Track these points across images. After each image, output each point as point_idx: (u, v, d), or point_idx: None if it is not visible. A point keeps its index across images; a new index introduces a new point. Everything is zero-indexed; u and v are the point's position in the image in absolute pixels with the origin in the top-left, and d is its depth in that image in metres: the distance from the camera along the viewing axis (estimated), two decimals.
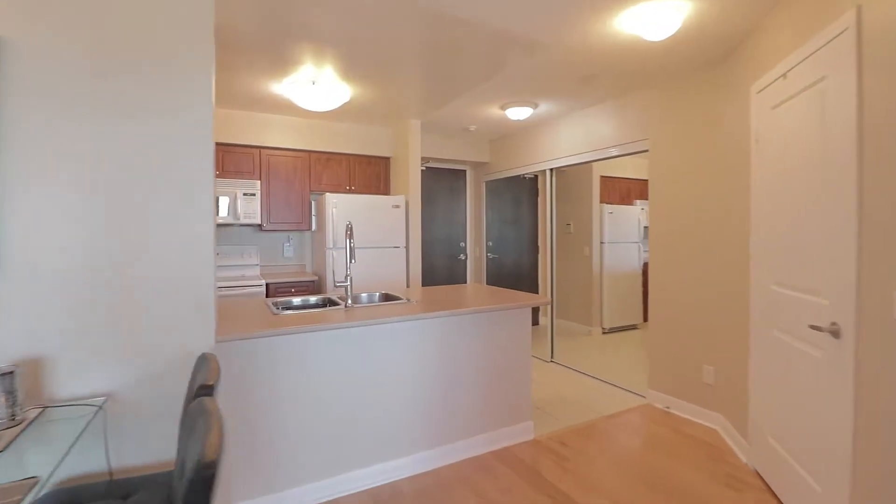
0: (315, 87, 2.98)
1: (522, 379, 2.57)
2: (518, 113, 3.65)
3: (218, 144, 3.67)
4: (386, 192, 4.40)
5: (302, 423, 1.96)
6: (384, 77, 3.01)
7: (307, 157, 4.02)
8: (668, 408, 3.04)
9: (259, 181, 3.76)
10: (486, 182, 5.19)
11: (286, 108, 3.71)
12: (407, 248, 4.15)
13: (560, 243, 5.46)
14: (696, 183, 2.84)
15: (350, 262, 2.37)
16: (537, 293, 5.27)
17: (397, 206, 3.99)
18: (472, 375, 2.39)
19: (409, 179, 4.09)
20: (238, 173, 3.74)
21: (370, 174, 4.32)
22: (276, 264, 4.18)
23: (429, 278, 5.02)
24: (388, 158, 4.42)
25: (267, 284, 3.56)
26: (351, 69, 2.85)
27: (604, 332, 5.15)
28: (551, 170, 4.24)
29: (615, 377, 3.67)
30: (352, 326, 1.89)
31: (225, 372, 1.80)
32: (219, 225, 3.77)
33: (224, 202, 3.61)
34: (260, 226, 3.86)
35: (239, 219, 3.65)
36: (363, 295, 2.67)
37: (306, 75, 2.92)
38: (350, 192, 4.19)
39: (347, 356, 2.05)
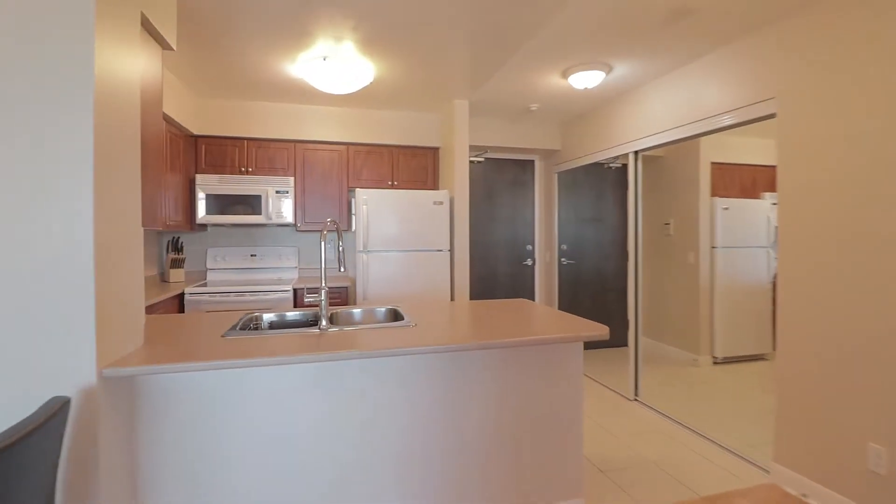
0: (327, 63, 2.59)
1: (569, 437, 1.86)
2: (586, 79, 2.87)
3: (250, 139, 3.51)
4: (434, 188, 3.90)
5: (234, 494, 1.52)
6: (413, 42, 2.51)
7: (345, 151, 3.69)
8: (804, 496, 2.04)
9: (293, 178, 3.52)
10: (559, 174, 4.40)
11: (322, 97, 3.42)
12: (452, 251, 3.60)
13: (655, 247, 4.43)
14: (857, 159, 1.84)
15: (340, 268, 1.90)
16: (627, 307, 4.33)
17: (439, 203, 3.47)
18: (491, 432, 1.76)
19: (455, 171, 3.54)
20: (272, 170, 3.55)
21: (415, 167, 3.86)
22: (317, 267, 3.93)
23: (488, 287, 4.40)
24: (436, 149, 3.92)
25: (295, 290, 3.28)
26: (374, 37, 2.40)
27: (715, 363, 4.01)
28: (636, 153, 3.35)
29: (726, 434, 2.69)
30: (300, 362, 1.40)
31: (112, 420, 1.44)
32: (251, 225, 3.63)
33: (263, 201, 3.43)
34: (294, 225, 3.63)
35: (271, 218, 3.45)
36: (356, 312, 2.18)
37: (321, 50, 2.54)
38: (392, 187, 3.77)
39: (306, 402, 1.57)
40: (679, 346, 4.30)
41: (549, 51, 2.58)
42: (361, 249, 3.31)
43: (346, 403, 1.61)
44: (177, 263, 3.45)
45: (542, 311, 2.13)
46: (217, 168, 3.44)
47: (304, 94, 3.38)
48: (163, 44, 1.76)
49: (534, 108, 3.68)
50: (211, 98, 3.41)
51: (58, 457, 1.04)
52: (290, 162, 3.58)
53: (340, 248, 1.94)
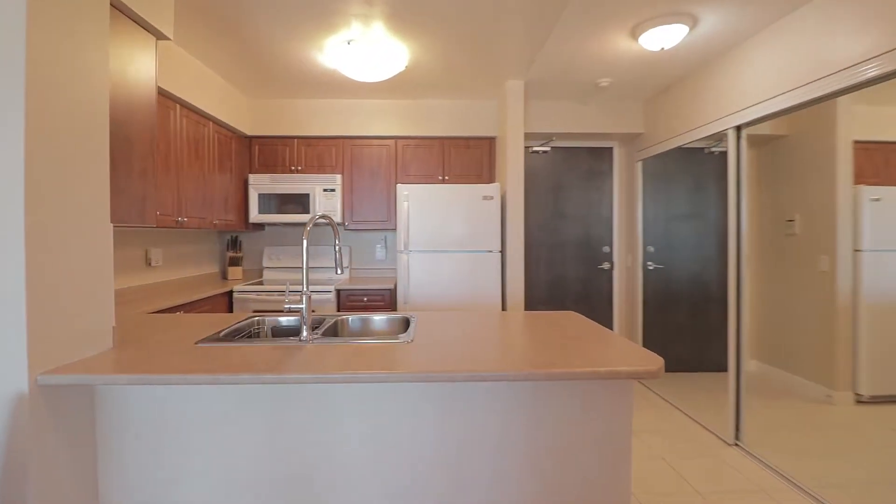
0: (352, 47, 2.41)
1: None
2: (662, 37, 2.30)
3: (299, 138, 3.51)
4: (490, 182, 3.54)
5: None
6: (448, 15, 2.21)
7: (393, 145, 3.52)
8: None
9: (340, 175, 3.44)
10: (643, 161, 3.73)
11: (369, 91, 3.28)
12: (503, 252, 3.22)
13: (775, 249, 3.54)
14: None
15: (337, 270, 1.68)
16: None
17: (489, 198, 3.10)
18: (486, 483, 1.38)
19: (508, 162, 3.15)
20: (320, 168, 3.51)
21: (469, 160, 3.54)
22: (368, 267, 3.83)
23: (556, 295, 3.91)
24: (491, 139, 3.56)
25: (338, 291, 3.19)
26: (403, 12, 2.16)
27: (859, 401, 3.04)
28: (737, 129, 2.65)
29: None
30: (252, 382, 1.19)
31: (54, 430, 1.35)
32: (302, 224, 3.62)
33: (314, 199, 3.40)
34: (342, 224, 3.55)
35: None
36: (352, 319, 1.93)
37: (348, 32, 2.37)
38: (444, 182, 3.51)
39: (270, 429, 1.37)
40: (806, 377, 3.39)
41: (610, 1, 2.08)
42: (402, 249, 3.10)
43: (297, 431, 1.37)
44: (235, 261, 3.59)
45: (585, 330, 1.69)
46: (269, 168, 3.50)
47: (349, 90, 3.27)
48: (156, 33, 1.70)
49: (604, 84, 3.12)
50: (260, 99, 3.47)
51: None
52: (338, 159, 3.51)
53: (337, 247, 1.71)
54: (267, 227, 3.81)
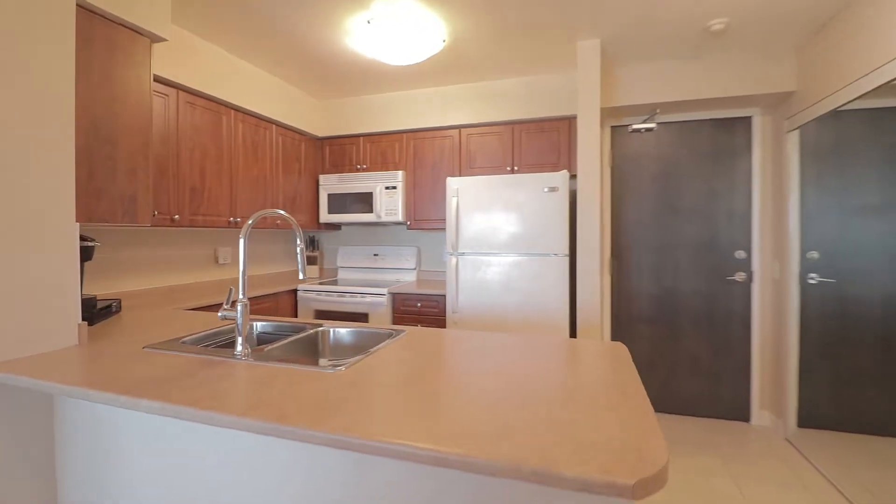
0: (373, 26, 2.20)
1: None
2: None
3: (364, 135, 3.46)
4: (568, 169, 2.96)
5: None
6: None
7: (457, 136, 3.21)
8: None
9: (402, 171, 3.28)
10: (800, 130, 2.66)
11: (430, 79, 3.05)
12: (572, 256, 2.63)
13: None
14: None
15: (300, 275, 1.49)
16: None
17: (553, 189, 2.56)
18: None
19: (580, 143, 2.55)
20: (384, 164, 3.41)
21: (543, 146, 3.02)
22: (437, 269, 3.60)
23: (665, 312, 3.09)
24: (570, 119, 2.97)
25: (392, 296, 3.04)
26: None
27: None
28: None
29: None
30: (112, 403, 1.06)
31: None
32: (367, 224, 3.57)
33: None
34: (405, 223, 3.38)
35: (380, 216, 3.31)
36: (333, 332, 1.68)
37: (369, 13, 2.17)
38: (513, 172, 3.06)
39: (178, 452, 1.23)
40: None
41: None
42: (450, 251, 2.77)
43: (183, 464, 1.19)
44: (311, 260, 3.74)
45: (611, 377, 1.16)
46: (338, 167, 3.54)
47: (409, 80, 3.09)
48: (150, 35, 1.74)
49: (718, 27, 2.28)
50: (328, 99, 3.53)
51: None
52: (400, 155, 3.36)
53: (299, 249, 1.52)
54: (343, 227, 3.89)
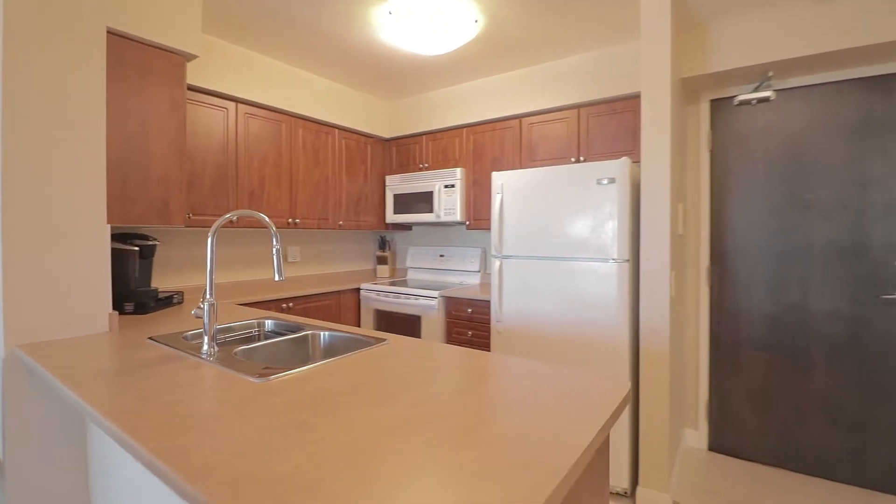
0: (394, 17, 2.10)
1: None
2: None
3: (426, 133, 3.39)
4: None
5: None
6: None
7: (517, 126, 2.93)
8: None
9: (460, 168, 3.13)
10: None
11: (487, 68, 2.86)
12: (634, 261, 2.16)
13: None
14: None
15: (275, 276, 1.49)
16: None
17: (609, 180, 2.14)
18: None
19: (644, 122, 2.08)
20: (444, 162, 3.29)
21: (615, 130, 2.57)
22: None
23: (787, 337, 2.36)
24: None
25: (445, 299, 2.92)
26: None
27: None
28: None
29: None
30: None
31: (29, 397, 1.63)
32: (428, 224, 3.49)
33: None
34: (463, 223, 3.22)
35: (440, 216, 3.21)
36: (323, 336, 1.60)
37: (389, 4, 2.09)
38: (580, 163, 2.68)
39: None
40: None
41: None
42: (495, 254, 2.53)
43: None
44: (382, 260, 3.83)
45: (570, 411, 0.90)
46: (403, 167, 3.54)
47: (465, 71, 2.93)
48: (183, 55, 1.93)
49: None
50: (393, 100, 3.54)
51: None
52: (460, 151, 3.21)
53: (276, 250, 1.52)
54: (414, 227, 3.89)
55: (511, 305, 2.46)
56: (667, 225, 2.02)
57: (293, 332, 1.74)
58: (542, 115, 2.83)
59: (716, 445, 2.56)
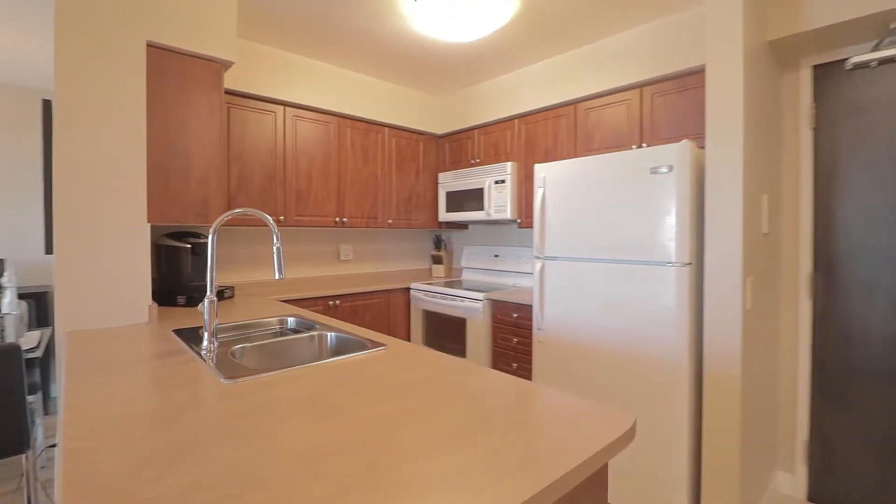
0: (419, 4, 1.99)
1: None
2: None
3: (478, 127, 3.23)
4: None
5: None
6: None
7: (571, 113, 2.65)
8: None
9: (512, 162, 2.93)
10: None
11: (536, 53, 2.64)
12: (697, 265, 1.80)
13: None
14: None
15: (276, 275, 1.50)
16: None
17: (666, 169, 1.81)
18: None
19: (710, 97, 1.72)
20: (496, 156, 3.11)
21: (683, 110, 2.20)
22: None
23: None
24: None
25: (491, 302, 2.76)
26: None
27: None
28: None
29: None
30: None
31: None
32: (476, 222, 3.32)
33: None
34: (515, 221, 3.01)
35: (490, 214, 3.05)
36: (330, 336, 1.55)
37: None
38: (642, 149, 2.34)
39: None
40: None
41: None
42: (538, 254, 2.30)
43: None
44: (437, 259, 3.75)
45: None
46: (456, 164, 3.43)
47: (514, 57, 2.72)
48: (220, 62, 2.02)
49: None
50: (444, 95, 3.42)
51: (19, 381, 1.54)
52: (511, 144, 3.00)
53: (276, 248, 1.51)
54: (470, 226, 3.76)
55: (553, 312, 2.22)
56: (738, 221, 1.65)
57: (308, 330, 1.73)
58: (598, 99, 2.53)
59: (817, 495, 2.06)
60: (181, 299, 2.25)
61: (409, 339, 3.24)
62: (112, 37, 1.71)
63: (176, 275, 2.31)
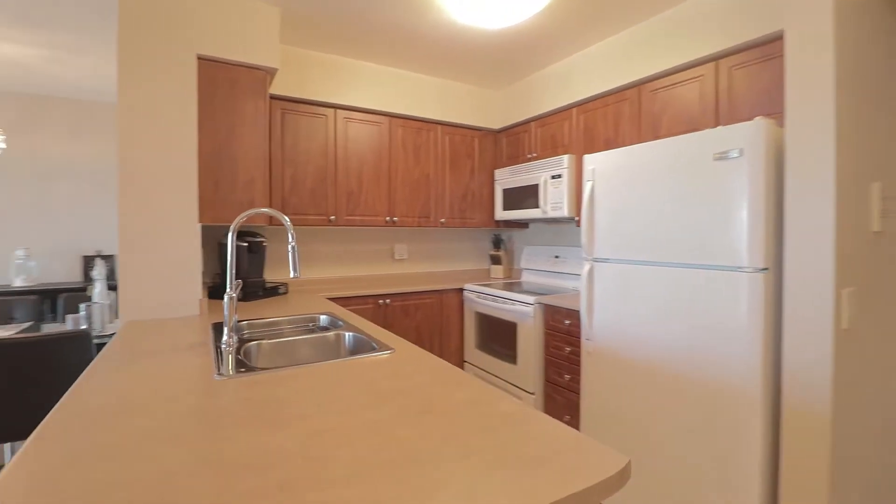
0: None
1: None
2: None
3: (535, 119, 3.02)
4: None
5: None
6: None
7: (635, 96, 2.36)
8: None
9: (569, 155, 2.70)
10: None
11: (590, 34, 2.41)
12: (776, 271, 1.46)
13: None
14: None
15: (292, 272, 1.53)
16: None
17: (735, 154, 1.50)
18: None
19: (790, 64, 1.38)
20: (553, 149, 2.89)
21: (766, 83, 1.83)
22: None
23: None
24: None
25: (543, 307, 2.57)
26: None
27: None
28: None
29: None
30: None
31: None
32: (534, 220, 3.10)
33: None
34: (572, 219, 2.77)
35: (546, 212, 2.85)
36: (347, 336, 1.52)
37: None
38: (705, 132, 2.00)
39: None
40: None
41: None
42: (585, 255, 2.07)
43: None
44: (496, 260, 3.61)
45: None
46: (513, 159, 3.26)
47: (570, 39, 2.50)
48: (265, 69, 2.12)
49: None
50: (502, 88, 3.25)
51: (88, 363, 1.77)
52: (569, 135, 2.76)
53: (290, 247, 1.53)
54: (531, 225, 3.56)
55: (603, 321, 1.99)
56: (829, 216, 1.31)
57: (331, 329, 1.74)
58: (665, 78, 2.21)
59: None
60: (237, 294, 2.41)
61: (462, 342, 3.16)
62: (167, 53, 1.88)
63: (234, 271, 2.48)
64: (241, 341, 1.55)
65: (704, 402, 1.61)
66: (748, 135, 1.47)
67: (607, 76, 2.49)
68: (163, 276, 1.93)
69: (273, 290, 2.58)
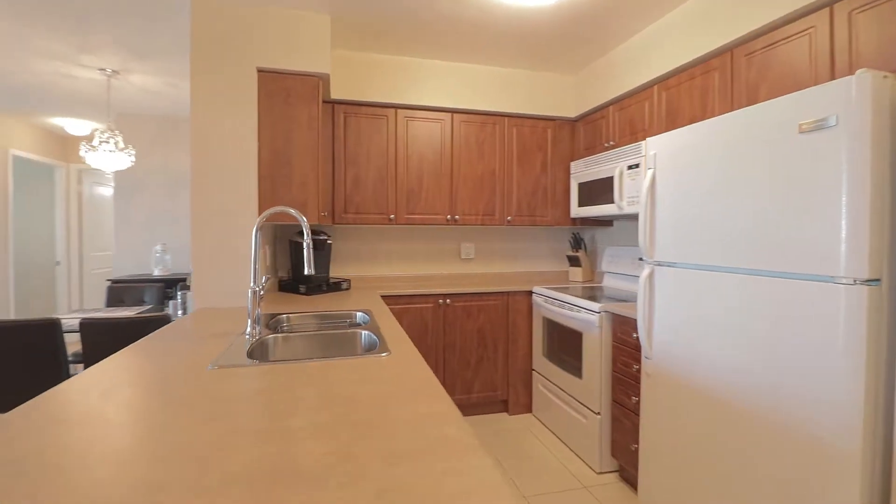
0: None
1: None
2: None
3: (612, 102, 2.68)
4: None
5: None
6: None
7: (727, 62, 1.94)
8: None
9: (645, 141, 2.34)
10: None
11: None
12: (890, 283, 1.03)
13: None
14: None
15: (308, 268, 1.59)
16: None
17: (832, 122, 1.12)
18: None
19: None
20: (632, 135, 2.53)
21: (890, 37, 1.33)
22: None
23: None
24: None
25: (611, 316, 2.28)
26: None
27: None
28: None
29: None
30: None
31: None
32: (611, 217, 2.73)
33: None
34: None
35: (622, 208, 2.52)
36: (364, 335, 1.50)
37: None
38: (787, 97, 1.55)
39: None
40: None
41: None
42: (644, 257, 1.75)
43: None
44: (574, 261, 3.32)
45: None
46: (590, 149, 2.94)
47: (641, 7, 2.16)
48: (318, 76, 2.24)
49: None
50: (579, 73, 2.93)
51: None
52: (650, 117, 2.39)
53: (305, 244, 1.59)
54: (615, 223, 3.18)
55: (665, 338, 1.67)
56: None
57: (357, 326, 1.75)
58: (763, 38, 1.77)
59: None
60: (302, 288, 2.59)
61: (530, 349, 2.97)
62: (231, 68, 2.09)
63: (300, 267, 2.68)
64: (277, 332, 1.65)
65: (784, 447, 1.24)
66: (847, 94, 1.09)
67: (692, 43, 2.09)
68: (227, 269, 2.16)
69: (336, 286, 2.72)
